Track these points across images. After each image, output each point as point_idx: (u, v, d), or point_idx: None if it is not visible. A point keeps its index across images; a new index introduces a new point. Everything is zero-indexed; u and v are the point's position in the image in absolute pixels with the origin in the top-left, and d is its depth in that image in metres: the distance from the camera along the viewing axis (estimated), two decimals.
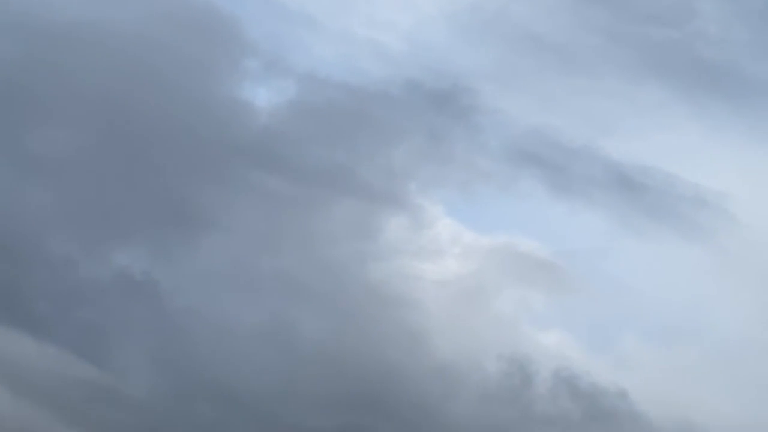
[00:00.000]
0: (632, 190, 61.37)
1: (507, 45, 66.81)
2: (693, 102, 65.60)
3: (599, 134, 63.51)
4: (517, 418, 53.50)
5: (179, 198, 55.82)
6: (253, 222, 56.24)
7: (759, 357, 62.24)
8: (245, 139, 58.20)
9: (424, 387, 51.76)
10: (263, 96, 59.89)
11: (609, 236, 61.03)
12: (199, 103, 58.60)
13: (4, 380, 48.37)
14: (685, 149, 65.78)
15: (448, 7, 66.97)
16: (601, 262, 59.48)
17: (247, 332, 50.59)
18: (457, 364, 52.33)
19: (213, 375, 49.64)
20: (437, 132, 60.31)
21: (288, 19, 64.59)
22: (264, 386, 49.84)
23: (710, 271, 62.14)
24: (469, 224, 58.80)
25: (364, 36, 64.80)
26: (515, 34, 66.74)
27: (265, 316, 51.52)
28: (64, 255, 51.00)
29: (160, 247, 54.48)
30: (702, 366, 60.33)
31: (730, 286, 61.16)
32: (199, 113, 57.96)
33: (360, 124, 60.39)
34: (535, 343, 55.21)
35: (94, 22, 57.19)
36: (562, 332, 58.52)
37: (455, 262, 57.46)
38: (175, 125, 56.84)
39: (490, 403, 52.97)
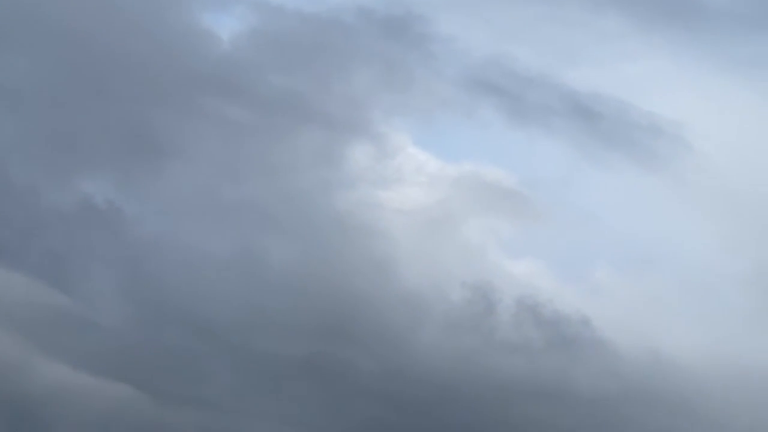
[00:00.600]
0: (589, 119, 61.85)
1: None
2: (652, 32, 65.89)
3: (557, 63, 63.80)
4: (481, 346, 54.20)
5: (142, 127, 55.56)
6: (216, 150, 56.09)
7: (722, 285, 63.32)
8: (206, 68, 57.79)
9: (391, 315, 52.23)
10: (223, 25, 59.39)
11: (570, 165, 61.55)
12: (161, 33, 58.12)
13: None
14: (643, 78, 66.22)
15: None
16: (565, 191, 60.03)
17: (214, 261, 50.66)
18: (423, 292, 52.83)
19: (182, 303, 49.77)
20: (394, 60, 60.21)
21: None
22: (232, 315, 50.07)
23: (671, 200, 62.96)
24: (434, 153, 58.95)
25: None
26: None
27: (231, 246, 51.59)
28: (28, 184, 50.64)
29: (123, 176, 54.27)
30: (669, 295, 61.29)
31: (692, 216, 62.01)
32: (161, 42, 57.51)
33: (317, 53, 60.10)
34: (501, 271, 55.77)
35: None
36: (528, 261, 59.15)
37: (421, 191, 57.71)
38: (136, 55, 56.41)
39: (455, 330, 53.62)
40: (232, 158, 55.00)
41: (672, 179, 62.01)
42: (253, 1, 59.03)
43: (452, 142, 60.45)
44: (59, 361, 47.71)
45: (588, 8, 65.87)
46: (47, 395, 47.55)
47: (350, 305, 50.85)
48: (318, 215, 52.24)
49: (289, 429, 55.51)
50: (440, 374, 54.16)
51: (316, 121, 57.57)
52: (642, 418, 58.30)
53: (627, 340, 55.85)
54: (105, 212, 49.79)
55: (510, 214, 58.53)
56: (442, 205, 56.46)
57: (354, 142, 56.36)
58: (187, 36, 58.81)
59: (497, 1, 67.57)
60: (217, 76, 57.71)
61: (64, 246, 49.20)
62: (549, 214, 58.93)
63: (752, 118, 65.94)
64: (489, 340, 53.30)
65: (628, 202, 63.02)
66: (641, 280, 61.10)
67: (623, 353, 55.03)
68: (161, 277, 49.04)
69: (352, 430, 58.26)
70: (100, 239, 50.00)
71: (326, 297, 50.66)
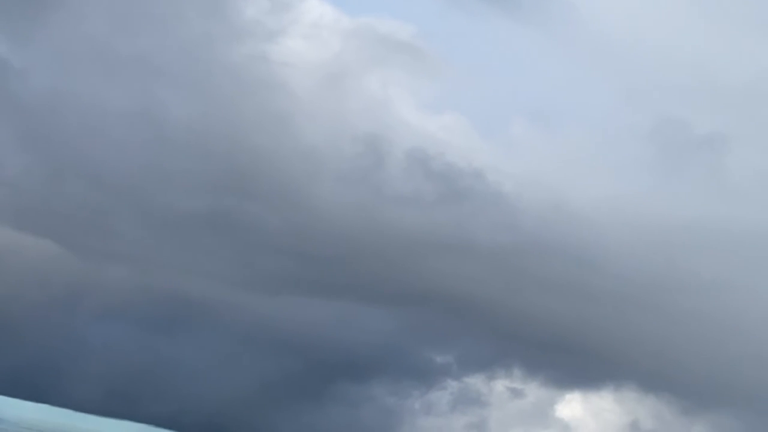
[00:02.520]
0: None
1: None
2: None
3: None
4: (374, 198, 54.90)
5: None
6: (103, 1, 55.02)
7: (623, 138, 64.95)
8: None
9: (289, 169, 52.51)
10: None
11: (467, 19, 61.88)
12: None
13: None
14: None
15: None
16: (462, 43, 60.50)
17: (113, 114, 50.11)
18: (320, 146, 53.14)
19: (82, 156, 49.26)
20: None
21: None
22: (133, 168, 49.80)
23: (571, 56, 64.01)
24: (333, 4, 58.61)
25: None
26: None
27: (129, 99, 51.01)
28: None
29: (8, 26, 52.94)
30: (573, 148, 62.73)
31: (591, 72, 63.18)
32: None
33: None
34: (399, 125, 56.28)
35: None
36: (425, 113, 59.77)
37: (319, 44, 57.53)
38: None
39: (350, 184, 54.17)
40: (123, 9, 53.92)
41: (569, 36, 62.94)
42: None
43: None
44: None
45: None
46: None
47: (250, 160, 50.94)
48: (215, 69, 51.83)
49: (205, 281, 55.95)
50: (342, 229, 54.91)
51: None
52: (543, 269, 60.24)
53: (530, 193, 57.13)
54: None
55: (406, 67, 58.86)
56: (339, 59, 56.43)
57: None
58: None
59: None
60: None
61: None
62: (445, 66, 59.42)
63: None
64: (383, 192, 53.95)
65: (525, 56, 63.84)
66: (549, 135, 62.29)
67: (525, 206, 56.31)
68: (60, 130, 48.41)
69: (266, 283, 59.00)
70: None
71: (226, 150, 50.64)
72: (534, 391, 76.98)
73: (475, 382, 79.45)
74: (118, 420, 71.97)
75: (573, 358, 70.50)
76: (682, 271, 67.70)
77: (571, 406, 73.12)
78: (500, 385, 79.54)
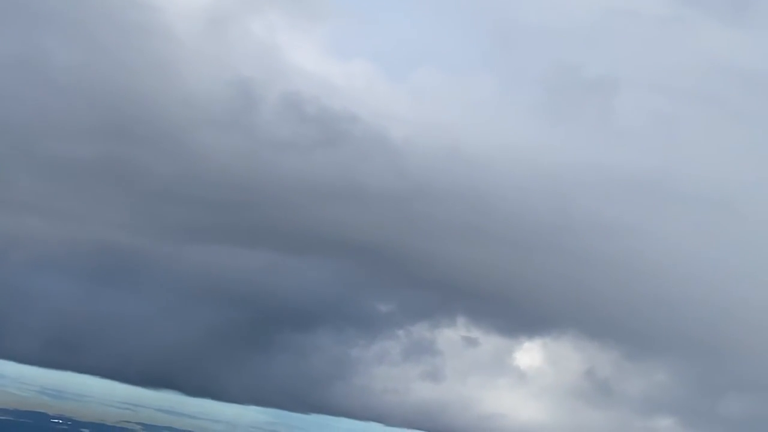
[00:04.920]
0: None
1: None
2: None
3: None
4: (251, 143, 54.47)
5: None
6: None
7: (516, 85, 63.86)
8: None
9: (172, 115, 52.26)
10: None
11: None
12: None
13: None
14: None
15: None
16: None
17: None
18: (200, 91, 52.77)
19: None
20: None
21: None
22: (17, 117, 49.87)
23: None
24: None
25: None
26: None
27: (11, 45, 50.98)
28: None
29: None
30: (468, 95, 61.77)
31: (464, 21, 61.85)
32: None
33: None
34: (285, 70, 55.72)
35: None
36: (312, 58, 59.15)
37: None
38: None
39: (226, 128, 53.82)
40: None
41: None
42: None
43: None
44: None
45: None
46: None
47: (134, 106, 50.75)
48: (97, 14, 51.62)
49: (104, 230, 55.92)
50: (230, 175, 54.62)
51: None
52: (438, 213, 59.52)
53: (424, 138, 56.25)
54: None
55: (293, 12, 58.31)
56: (222, 3, 55.98)
57: None
58: None
59: None
60: None
61: None
62: (333, 9, 58.71)
63: None
64: (259, 137, 53.51)
65: (413, 5, 62.88)
66: (444, 81, 61.32)
67: (417, 151, 55.41)
68: None
69: (165, 232, 58.86)
70: None
71: (111, 97, 50.58)
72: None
73: (421, 330, 78.94)
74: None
75: (497, 305, 69.48)
76: (579, 213, 66.34)
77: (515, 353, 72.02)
78: (455, 334, 78.94)
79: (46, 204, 54.35)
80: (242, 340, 75.12)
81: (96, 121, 53.07)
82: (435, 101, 64.00)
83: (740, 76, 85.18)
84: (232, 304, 73.48)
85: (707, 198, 69.45)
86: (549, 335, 79.40)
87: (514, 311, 71.69)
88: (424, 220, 60.77)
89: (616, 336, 70.16)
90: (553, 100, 65.75)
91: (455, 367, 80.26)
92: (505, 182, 63.04)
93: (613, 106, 70.26)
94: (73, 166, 53.15)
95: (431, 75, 62.18)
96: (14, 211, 54.49)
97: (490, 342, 79.88)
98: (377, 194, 59.76)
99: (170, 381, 79.49)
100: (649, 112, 69.78)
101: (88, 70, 52.62)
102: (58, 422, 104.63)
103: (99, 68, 52.97)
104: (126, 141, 53.60)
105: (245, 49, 57.86)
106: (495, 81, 65.46)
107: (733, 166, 70.90)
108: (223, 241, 64.51)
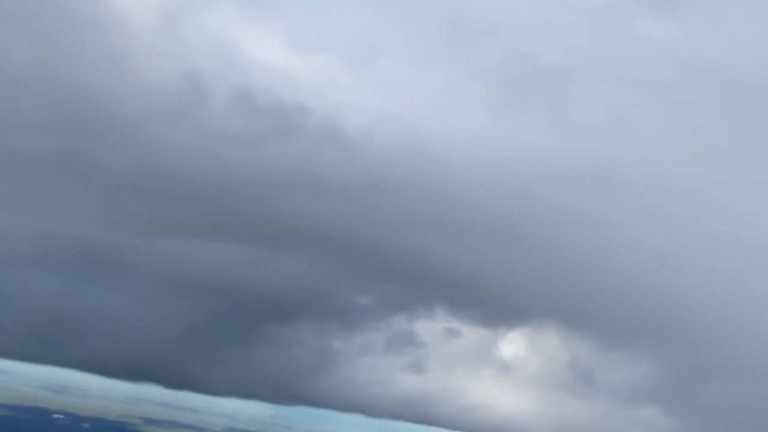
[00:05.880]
0: None
1: None
2: None
3: None
4: (204, 136, 54.62)
5: None
6: None
7: (472, 76, 63.74)
8: None
9: (128, 109, 52.55)
10: None
11: None
12: None
13: None
14: None
15: None
16: None
17: None
18: (153, 85, 53.04)
19: None
20: None
21: None
22: None
23: None
24: None
25: None
26: None
27: None
28: None
29: None
30: (427, 87, 61.70)
31: (419, 7, 61.77)
32: None
33: None
34: (234, 62, 55.83)
35: None
36: (268, 51, 59.26)
37: None
38: None
39: (178, 121, 54.02)
40: None
41: None
42: None
43: None
44: None
45: None
46: None
47: (89, 99, 51.05)
48: (49, 7, 51.94)
49: (72, 225, 56.31)
50: (186, 168, 54.83)
51: None
52: (397, 205, 59.48)
53: (382, 129, 56.22)
54: None
55: (249, 5, 58.47)
56: None
57: None
58: None
59: None
60: None
61: None
62: (288, 4, 58.82)
63: None
64: (209, 130, 53.62)
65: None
66: (405, 73, 61.20)
67: (374, 142, 55.41)
68: None
69: (133, 226, 59.20)
70: None
71: (65, 91, 50.88)
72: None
73: (401, 322, 78.96)
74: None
75: (473, 296, 69.41)
76: (539, 203, 66.18)
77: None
78: (437, 325, 78.87)
79: (12, 199, 54.71)
80: (221, 332, 75.63)
81: (52, 116, 53.44)
82: (394, 93, 64.04)
83: (682, 65, 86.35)
84: (209, 298, 73.91)
85: (661, 186, 69.64)
86: (529, 326, 79.41)
87: (491, 302, 71.60)
88: (383, 211, 60.95)
89: (594, 326, 70.09)
90: (508, 91, 65.91)
91: (439, 359, 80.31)
92: (463, 173, 63.11)
93: (567, 96, 70.40)
94: (31, 161, 53.47)
95: (391, 67, 62.34)
96: None
97: (472, 333, 79.90)
98: (334, 186, 59.95)
99: (150, 374, 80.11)
100: (601, 102, 69.86)
101: (43, 65, 52.92)
102: (59, 417, 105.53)
103: (54, 63, 53.28)
104: (82, 135, 53.97)
105: (199, 43, 58.14)
106: (452, 73, 65.47)
107: (683, 154, 71.47)
108: (191, 235, 64.96)
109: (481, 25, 63.71)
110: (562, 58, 65.40)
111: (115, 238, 64.01)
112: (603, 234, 66.74)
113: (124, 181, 56.23)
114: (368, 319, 78.24)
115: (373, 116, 60.41)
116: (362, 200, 60.90)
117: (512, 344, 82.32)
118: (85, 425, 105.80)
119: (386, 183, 60.74)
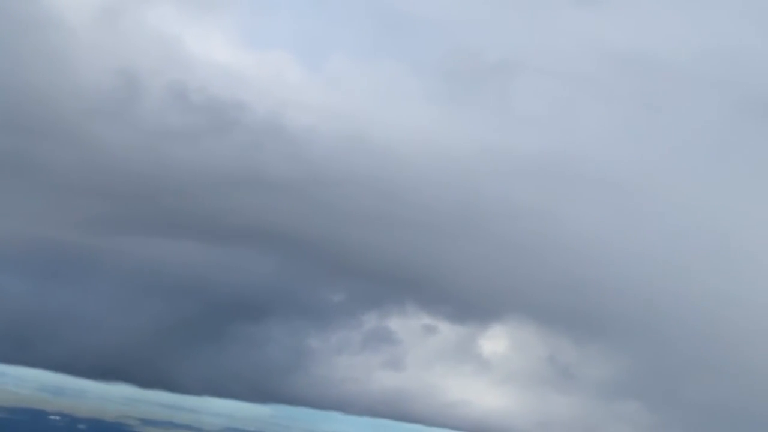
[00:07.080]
0: None
1: None
2: None
3: None
4: (141, 134, 54.69)
5: None
6: None
7: (422, 73, 63.24)
8: None
9: (66, 107, 52.72)
10: None
11: None
12: None
13: None
14: None
15: None
16: None
17: None
18: (93, 83, 53.19)
19: None
20: None
21: None
22: None
23: None
24: None
25: None
26: None
27: None
28: None
29: None
30: (373, 82, 61.48)
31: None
32: None
33: None
34: (172, 59, 55.80)
35: None
36: (208, 48, 59.17)
37: None
38: None
39: (121, 120, 54.14)
40: None
41: None
42: None
43: None
44: None
45: None
46: None
47: (29, 99, 51.24)
48: None
49: (27, 225, 56.56)
50: (128, 166, 54.95)
51: None
52: (345, 202, 59.24)
53: (329, 126, 55.93)
54: None
55: (190, 2, 58.49)
56: None
57: None
58: None
59: None
60: None
61: None
62: (231, 1, 58.76)
63: None
64: (150, 128, 53.76)
65: None
66: (351, 69, 60.81)
67: (317, 138, 55.09)
68: None
69: (85, 225, 59.39)
70: None
71: (3, 91, 50.92)
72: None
73: (374, 319, 78.65)
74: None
75: (441, 292, 68.97)
76: (486, 198, 65.67)
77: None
78: (413, 322, 78.47)
79: None
80: (192, 331, 75.79)
81: None
82: (339, 89, 63.81)
83: (605, 57, 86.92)
84: (178, 297, 74.04)
85: (606, 179, 69.25)
86: (500, 321, 79.02)
87: (459, 298, 71.14)
88: (331, 208, 60.82)
89: (568, 321, 69.64)
90: (453, 86, 65.69)
91: (416, 356, 80.00)
92: (410, 169, 62.84)
93: (511, 90, 70.13)
94: None
95: (339, 64, 62.17)
96: None
97: (448, 330, 79.64)
98: (277, 182, 59.76)
99: (123, 374, 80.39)
100: (544, 96, 69.49)
101: None
102: (56, 419, 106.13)
103: None
104: (23, 134, 54.12)
105: (139, 40, 58.16)
106: (396, 68, 65.25)
107: (620, 146, 71.39)
108: (151, 234, 65.12)
109: (424, 21, 63.85)
110: (505, 53, 65.43)
111: (72, 237, 64.28)
112: (552, 228, 66.31)
113: (71, 180, 56.48)
114: (340, 316, 78.35)
115: (320, 113, 60.24)
116: (307, 197, 60.83)
117: (490, 340, 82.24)
118: (82, 426, 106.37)
119: (331, 180, 60.57)
